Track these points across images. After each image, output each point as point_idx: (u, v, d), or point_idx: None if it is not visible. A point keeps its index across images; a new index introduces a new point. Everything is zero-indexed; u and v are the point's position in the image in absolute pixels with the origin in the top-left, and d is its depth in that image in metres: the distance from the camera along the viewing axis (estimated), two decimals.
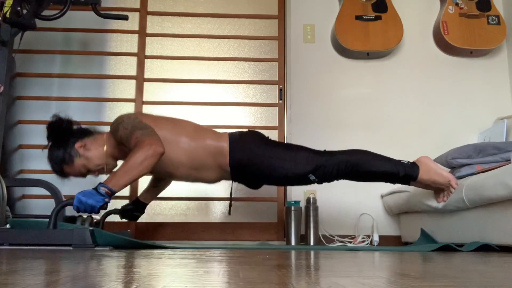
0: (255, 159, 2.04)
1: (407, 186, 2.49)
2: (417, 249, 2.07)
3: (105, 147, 2.03)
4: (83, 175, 2.07)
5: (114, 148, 2.05)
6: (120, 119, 2.00)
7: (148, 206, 2.39)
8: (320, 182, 2.09)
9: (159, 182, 2.37)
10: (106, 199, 1.79)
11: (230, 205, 2.35)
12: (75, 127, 2.09)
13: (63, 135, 2.04)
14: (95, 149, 2.03)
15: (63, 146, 2.01)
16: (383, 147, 2.54)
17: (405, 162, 2.09)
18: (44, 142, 2.08)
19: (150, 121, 2.00)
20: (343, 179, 2.11)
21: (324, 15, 3.22)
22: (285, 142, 3.01)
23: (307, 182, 2.08)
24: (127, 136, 1.91)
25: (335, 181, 2.12)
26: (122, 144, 1.99)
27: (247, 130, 2.17)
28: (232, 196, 2.34)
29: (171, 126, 2.05)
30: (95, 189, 1.79)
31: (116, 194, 1.84)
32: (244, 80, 3.22)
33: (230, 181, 2.22)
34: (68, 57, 3.18)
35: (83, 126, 2.15)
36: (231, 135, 2.10)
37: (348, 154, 2.09)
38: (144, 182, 2.61)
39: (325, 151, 2.10)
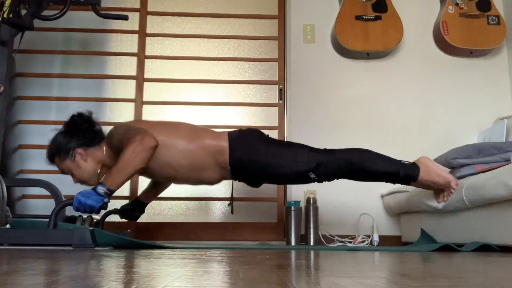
0: (255, 157, 2.04)
1: (407, 186, 2.49)
2: (417, 249, 2.07)
3: (99, 166, 2.03)
4: (65, 174, 2.08)
5: (111, 159, 2.02)
6: (114, 129, 2.02)
7: (148, 206, 2.39)
8: (320, 180, 2.09)
9: (159, 183, 2.37)
10: (106, 199, 1.79)
11: (232, 205, 2.35)
12: (97, 127, 2.08)
13: (76, 132, 2.05)
14: (89, 163, 2.02)
15: (68, 141, 2.02)
16: (383, 147, 2.53)
17: (406, 162, 2.09)
18: (44, 142, 2.08)
19: (145, 126, 2.00)
20: (343, 178, 2.11)
21: (324, 15, 3.22)
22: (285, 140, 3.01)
23: (308, 180, 2.07)
24: (121, 140, 1.92)
25: (335, 181, 2.12)
26: (118, 153, 1.95)
27: (247, 128, 2.17)
28: (233, 196, 2.35)
29: (168, 130, 2.03)
30: (94, 189, 1.79)
31: (117, 194, 1.84)
32: (244, 80, 3.22)
33: (231, 181, 2.22)
34: (68, 57, 3.18)
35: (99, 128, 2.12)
36: (230, 134, 2.09)
37: (349, 152, 2.09)
38: (144, 182, 2.61)
39: (325, 149, 2.11)
